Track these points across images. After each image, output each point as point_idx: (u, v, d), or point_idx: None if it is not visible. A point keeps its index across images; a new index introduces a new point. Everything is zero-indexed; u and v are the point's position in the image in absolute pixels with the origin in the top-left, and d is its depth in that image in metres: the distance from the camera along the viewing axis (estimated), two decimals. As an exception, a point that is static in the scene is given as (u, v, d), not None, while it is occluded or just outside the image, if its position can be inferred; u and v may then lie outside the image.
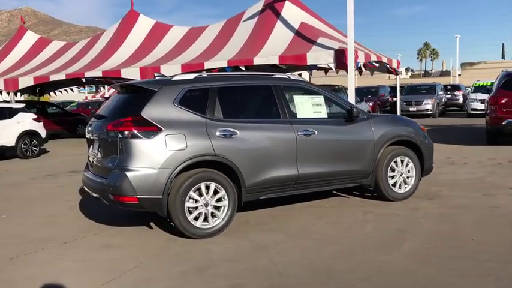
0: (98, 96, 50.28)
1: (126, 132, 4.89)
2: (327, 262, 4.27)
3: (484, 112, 20.26)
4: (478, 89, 22.16)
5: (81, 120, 20.71)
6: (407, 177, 6.43)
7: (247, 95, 5.75)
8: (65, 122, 20.22)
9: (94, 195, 5.27)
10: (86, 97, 51.94)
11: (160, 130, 4.92)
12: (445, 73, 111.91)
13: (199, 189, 5.06)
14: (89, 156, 5.91)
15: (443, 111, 25.01)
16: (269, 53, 12.95)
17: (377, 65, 14.33)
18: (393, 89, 23.75)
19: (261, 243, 4.87)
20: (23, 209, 6.98)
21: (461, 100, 27.16)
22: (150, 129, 4.92)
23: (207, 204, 5.10)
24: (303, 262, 4.29)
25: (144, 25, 17.15)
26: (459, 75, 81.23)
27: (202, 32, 16.07)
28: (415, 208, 6.01)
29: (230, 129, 5.23)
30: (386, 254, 4.41)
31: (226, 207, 5.20)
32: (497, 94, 10.99)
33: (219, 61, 13.41)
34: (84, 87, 31.69)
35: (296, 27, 13.73)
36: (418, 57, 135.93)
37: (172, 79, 5.35)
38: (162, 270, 4.27)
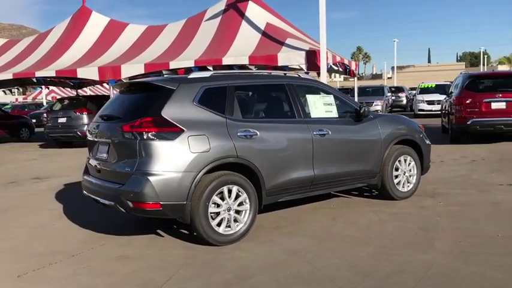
0: (30, 98, 47.55)
1: (147, 134, 4.52)
2: (371, 264, 4.16)
3: (430, 112, 21.42)
4: (424, 90, 23.19)
5: (24, 124, 19.42)
6: (410, 176, 6.50)
7: (263, 94, 5.56)
8: (7, 125, 18.84)
9: (106, 202, 4.84)
10: (17, 99, 48.98)
11: (182, 131, 4.60)
12: (376, 76, 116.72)
13: (221, 193, 4.80)
14: (89, 160, 5.45)
15: (390, 112, 25.93)
16: (238, 53, 12.76)
17: (342, 67, 14.56)
18: (344, 90, 24.31)
19: (291, 248, 4.68)
20: (3, 221, 6.33)
21: (404, 101, 28.33)
22: (172, 129, 4.59)
23: (229, 209, 4.84)
24: (347, 265, 4.16)
25: (97, 22, 16.37)
26: (389, 78, 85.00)
27: (161, 31, 15.58)
28: (422, 206, 6.07)
29: (250, 129, 5.00)
30: (424, 254, 4.38)
31: (248, 211, 4.96)
32: (461, 95, 11.47)
33: (185, 61, 13.04)
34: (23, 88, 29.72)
35: (262, 28, 13.65)
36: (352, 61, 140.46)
37: (189, 77, 5.04)
38: (201, 281, 3.97)
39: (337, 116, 5.88)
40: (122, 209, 4.64)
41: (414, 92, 35.55)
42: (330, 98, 5.88)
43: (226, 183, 4.80)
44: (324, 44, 11.41)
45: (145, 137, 4.53)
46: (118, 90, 5.52)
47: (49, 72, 14.54)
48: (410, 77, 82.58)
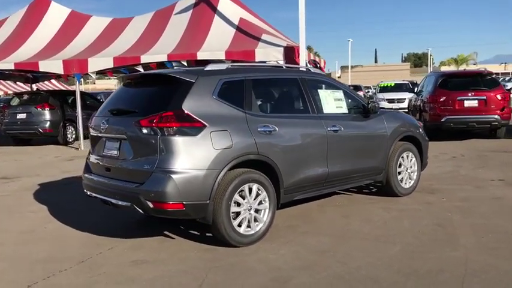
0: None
1: (168, 129, 4.21)
2: (407, 263, 4.06)
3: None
4: (383, 89, 23.72)
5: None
6: (411, 173, 6.50)
7: (278, 88, 5.36)
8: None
9: (119, 203, 4.46)
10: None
11: (204, 126, 4.32)
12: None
13: (241, 191, 4.56)
14: (91, 157, 5.05)
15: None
16: (213, 48, 12.41)
17: (313, 64, 14.54)
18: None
19: (316, 248, 4.51)
20: (-15, 224, 5.78)
21: (362, 100, 28.84)
22: (195, 125, 4.29)
23: (250, 208, 4.61)
24: (382, 264, 4.03)
25: (57, 13, 15.40)
26: (339, 77, 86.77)
27: (128, 23, 14.89)
28: (427, 203, 6.07)
29: (269, 125, 4.78)
30: (453, 250, 4.33)
31: (267, 210, 4.75)
32: (435, 93, 11.73)
33: (158, 55, 12.52)
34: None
35: (236, 23, 13.34)
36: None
37: (205, 69, 4.75)
38: (236, 285, 3.73)
39: (347, 111, 5.77)
40: (140, 210, 4.29)
41: (369, 90, 36.46)
42: (340, 93, 5.76)
43: (248, 181, 4.56)
44: (303, 40, 11.31)
45: (166, 132, 4.21)
46: (123, 82, 5.14)
47: (7, 65, 13.56)
48: (359, 76, 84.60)
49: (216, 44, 12.65)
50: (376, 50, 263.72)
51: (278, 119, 4.94)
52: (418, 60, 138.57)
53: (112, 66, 12.83)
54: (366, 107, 5.89)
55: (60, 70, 12.99)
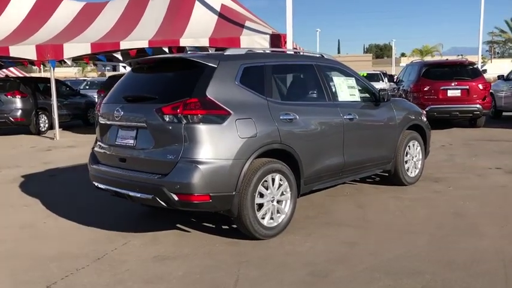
0: None
1: (193, 117, 3.95)
2: (440, 253, 3.97)
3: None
4: (356, 78, 23.84)
5: None
6: (417, 161, 6.47)
7: (296, 75, 5.18)
8: None
9: (139, 195, 4.17)
10: None
11: (229, 114, 4.09)
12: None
13: (265, 182, 4.37)
14: (99, 147, 4.74)
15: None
16: (196, 35, 12.05)
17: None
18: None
19: (343, 240, 4.38)
20: (-23, 219, 5.36)
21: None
22: (220, 112, 4.06)
23: (273, 200, 4.44)
24: (417, 256, 3.94)
25: (26, -6, 14.63)
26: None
27: (103, 8, 14.27)
28: (435, 191, 6.06)
29: (290, 112, 4.60)
30: (480, 240, 4.29)
31: (289, 201, 4.59)
32: (419, 82, 11.83)
33: (138, 41, 12.06)
34: None
35: (218, 9, 13.01)
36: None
37: (225, 54, 4.51)
38: (275, 281, 3.55)
39: (359, 99, 5.66)
40: (162, 203, 4.03)
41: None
42: (352, 81, 5.63)
43: (271, 172, 4.38)
44: (290, 27, 11.14)
45: (191, 120, 3.95)
46: (133, 67, 4.82)
47: (-27, 49, 12.76)
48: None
49: (199, 30, 12.31)
50: (339, 40, 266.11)
51: (298, 106, 4.77)
52: (379, 52, 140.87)
53: (89, 52, 12.28)
54: (376, 95, 5.80)
55: (33, 56, 12.32)
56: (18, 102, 13.31)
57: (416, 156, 6.46)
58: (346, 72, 5.67)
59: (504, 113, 14.45)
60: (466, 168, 7.43)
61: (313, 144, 4.83)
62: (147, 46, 12.02)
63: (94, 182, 4.71)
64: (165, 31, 12.46)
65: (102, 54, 12.82)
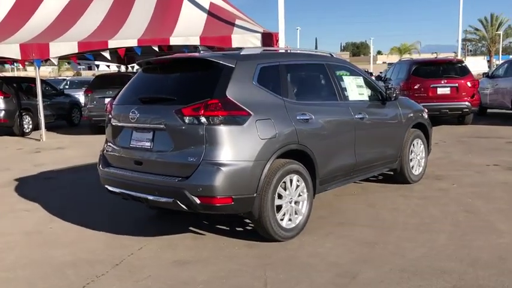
0: None
1: (215, 118, 3.87)
2: (462, 252, 3.99)
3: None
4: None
5: None
6: (420, 159, 6.51)
7: (308, 74, 5.13)
8: None
9: (157, 199, 4.06)
10: None
11: (249, 115, 4.03)
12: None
13: (283, 183, 4.32)
14: (108, 149, 4.61)
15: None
16: (186, 33, 11.92)
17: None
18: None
19: (362, 240, 4.35)
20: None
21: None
22: (241, 113, 3.99)
23: (291, 201, 4.39)
24: (440, 254, 3.94)
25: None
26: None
27: (89, 5, 13.97)
28: (441, 189, 6.11)
29: (306, 112, 4.56)
30: (500, 237, 4.32)
31: (306, 202, 4.55)
32: (409, 80, 11.94)
33: (127, 39, 11.85)
34: None
35: (207, 8, 12.90)
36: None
37: (241, 53, 4.43)
38: (305, 284, 3.50)
39: (367, 98, 5.65)
40: (184, 206, 3.93)
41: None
42: (361, 80, 5.63)
43: (289, 173, 4.33)
44: (282, 26, 11.11)
45: (212, 121, 3.87)
46: (143, 67, 4.69)
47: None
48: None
49: (189, 29, 12.18)
50: (316, 38, 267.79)
51: (312, 106, 4.73)
52: (356, 50, 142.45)
53: (77, 51, 12.01)
54: (383, 94, 5.81)
55: (17, 55, 11.97)
56: (0, 103, 12.92)
57: (420, 154, 6.50)
58: (354, 71, 5.66)
59: (488, 110, 14.72)
60: (464, 166, 7.52)
61: (327, 144, 4.80)
62: (136, 45, 11.84)
63: (106, 186, 4.58)
64: (154, 30, 12.28)
65: (89, 53, 12.52)
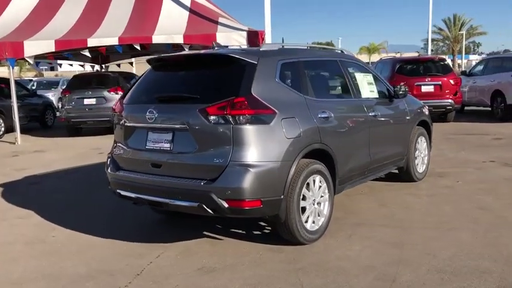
0: None
1: (241, 117, 3.67)
2: (492, 250, 3.92)
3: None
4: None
5: None
6: (424, 157, 6.48)
7: (324, 71, 4.98)
8: None
9: (180, 203, 3.82)
10: None
11: (275, 113, 3.85)
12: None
13: (307, 184, 4.16)
14: (118, 151, 4.34)
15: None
16: (169, 31, 11.60)
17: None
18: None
19: (388, 241, 4.24)
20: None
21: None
22: (267, 112, 3.81)
23: (314, 202, 4.24)
24: (471, 253, 3.86)
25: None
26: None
27: (62, 2, 13.46)
28: (447, 186, 6.08)
29: (326, 110, 4.42)
30: (522, 234, 4.32)
31: (327, 203, 4.41)
32: (394, 78, 11.96)
33: (107, 38, 11.45)
34: None
35: (188, 5, 12.60)
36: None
37: (261, 50, 4.24)
38: (343, 289, 3.36)
39: (377, 96, 5.56)
40: (209, 211, 3.71)
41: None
42: (370, 77, 5.53)
43: (313, 173, 4.17)
44: (268, 24, 10.96)
45: (238, 120, 3.67)
46: (154, 64, 4.42)
47: None
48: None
49: (171, 26, 11.87)
50: (283, 38, 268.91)
51: (331, 103, 4.60)
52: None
53: (53, 50, 11.53)
54: (391, 91, 5.73)
55: (-10, 53, 11.37)
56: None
57: (423, 151, 6.47)
58: (364, 68, 5.56)
59: (466, 108, 14.99)
60: (461, 162, 7.55)
61: (345, 143, 4.67)
62: (118, 43, 11.46)
63: (118, 190, 4.29)
64: (135, 27, 11.90)
65: (68, 52, 12.03)
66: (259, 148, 3.71)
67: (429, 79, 11.91)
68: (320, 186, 4.31)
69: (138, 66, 21.46)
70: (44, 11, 12.75)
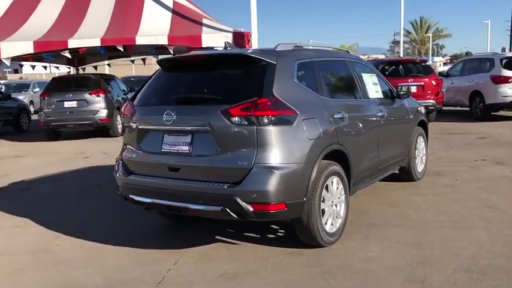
0: None
1: (265, 118, 3.58)
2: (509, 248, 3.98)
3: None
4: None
5: None
6: (422, 156, 6.54)
7: (335, 71, 4.92)
8: None
9: (202, 208, 3.68)
10: None
11: (296, 114, 3.77)
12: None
13: (326, 185, 4.10)
14: (128, 155, 4.17)
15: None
16: (153, 32, 11.35)
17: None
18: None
19: (406, 241, 4.21)
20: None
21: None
22: (289, 112, 3.73)
23: (332, 204, 4.18)
24: (492, 252, 3.87)
25: None
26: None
27: (38, 2, 13.02)
28: (448, 185, 6.14)
29: (341, 111, 4.37)
30: (534, 231, 4.37)
31: (343, 204, 4.36)
32: (378, 79, 12.09)
33: (89, 39, 11.10)
34: None
35: (170, 6, 12.38)
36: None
37: (277, 50, 4.14)
38: (375, 292, 3.31)
39: (382, 96, 5.56)
40: (233, 215, 3.60)
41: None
42: (375, 77, 5.53)
43: (331, 174, 4.11)
44: (255, 25, 10.88)
45: (262, 122, 3.58)
46: (165, 65, 4.26)
47: None
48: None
49: (154, 28, 11.61)
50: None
51: (344, 104, 4.56)
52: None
53: (32, 51, 11.10)
54: (393, 91, 5.75)
55: (-35, 55, 10.88)
56: None
57: (422, 151, 6.52)
58: (369, 68, 5.55)
59: (444, 108, 15.27)
60: (454, 161, 7.66)
61: (359, 144, 4.64)
62: (100, 45, 11.15)
63: (130, 195, 4.12)
64: (117, 28, 11.58)
65: (47, 53, 11.65)
66: (283, 150, 3.63)
67: (412, 80, 12.07)
68: (337, 188, 4.26)
69: (114, 69, 21.07)
70: (20, 11, 12.29)
